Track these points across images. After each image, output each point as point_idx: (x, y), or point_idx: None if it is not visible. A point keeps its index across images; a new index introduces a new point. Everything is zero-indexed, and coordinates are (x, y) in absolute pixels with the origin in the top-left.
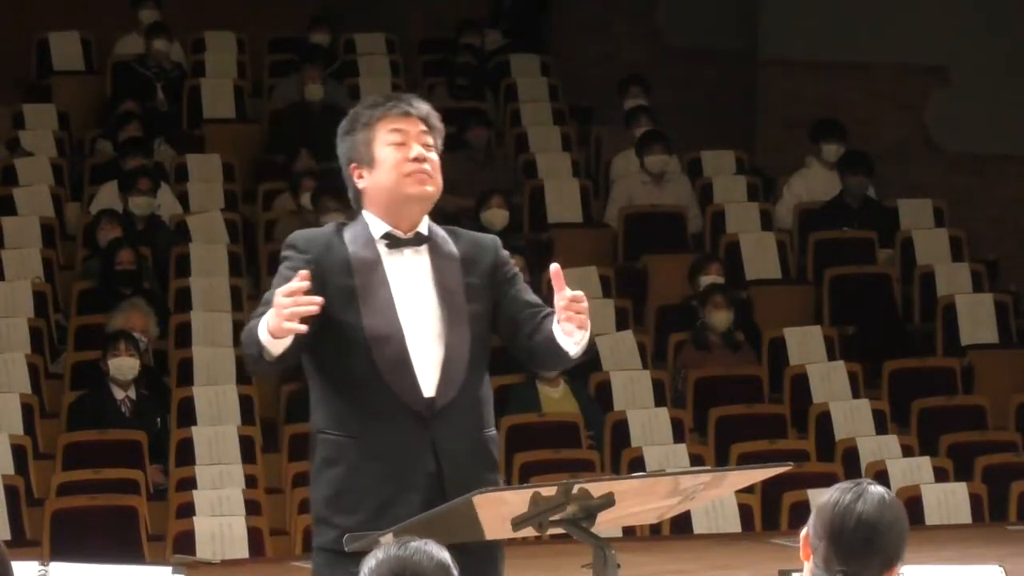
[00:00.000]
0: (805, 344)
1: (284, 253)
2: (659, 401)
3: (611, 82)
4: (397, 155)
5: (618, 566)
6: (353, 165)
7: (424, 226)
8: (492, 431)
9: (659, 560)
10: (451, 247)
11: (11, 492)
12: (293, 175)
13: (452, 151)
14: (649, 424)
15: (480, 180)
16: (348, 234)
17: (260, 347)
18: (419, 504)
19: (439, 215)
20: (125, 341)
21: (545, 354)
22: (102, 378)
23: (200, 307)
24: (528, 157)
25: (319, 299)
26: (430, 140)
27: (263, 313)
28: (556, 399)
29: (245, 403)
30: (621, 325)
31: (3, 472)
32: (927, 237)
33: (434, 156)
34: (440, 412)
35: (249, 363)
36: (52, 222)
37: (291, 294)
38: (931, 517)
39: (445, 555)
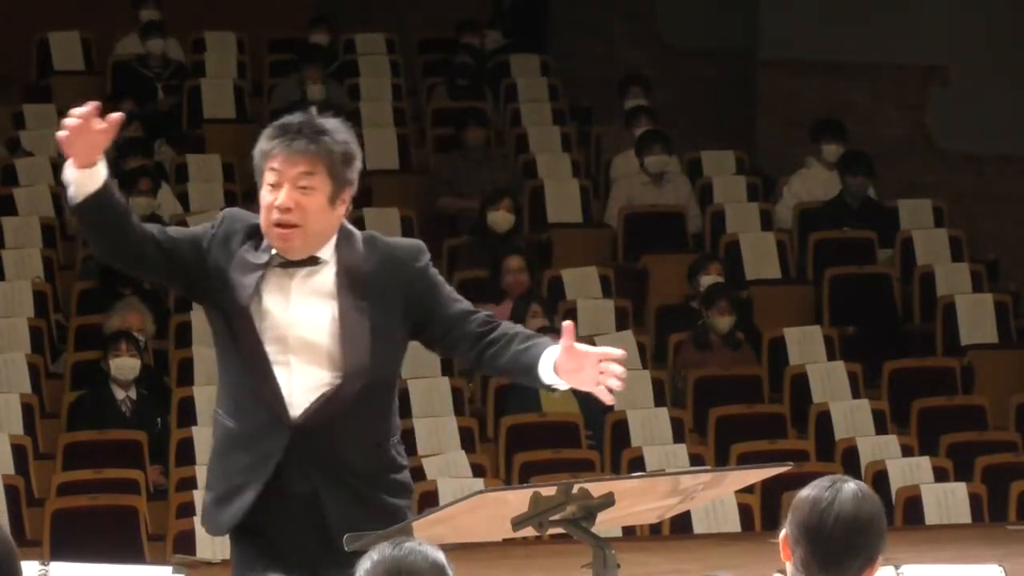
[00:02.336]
0: (805, 344)
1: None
2: (659, 401)
3: (611, 82)
4: (268, 199)
5: (618, 566)
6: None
7: (325, 249)
8: (384, 446)
9: (659, 560)
10: (358, 265)
11: (11, 492)
12: None
13: (451, 151)
14: (649, 424)
15: (478, 180)
16: (259, 238)
17: (68, 189)
18: (248, 505)
19: (439, 217)
20: (126, 341)
21: (517, 378)
22: (102, 378)
23: (200, 307)
24: (528, 157)
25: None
26: (312, 182)
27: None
28: (556, 399)
29: None
30: (621, 325)
31: (3, 472)
32: (927, 237)
33: (313, 199)
34: (305, 428)
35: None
36: (52, 222)
37: (81, 115)
38: (931, 517)
39: (440, 555)
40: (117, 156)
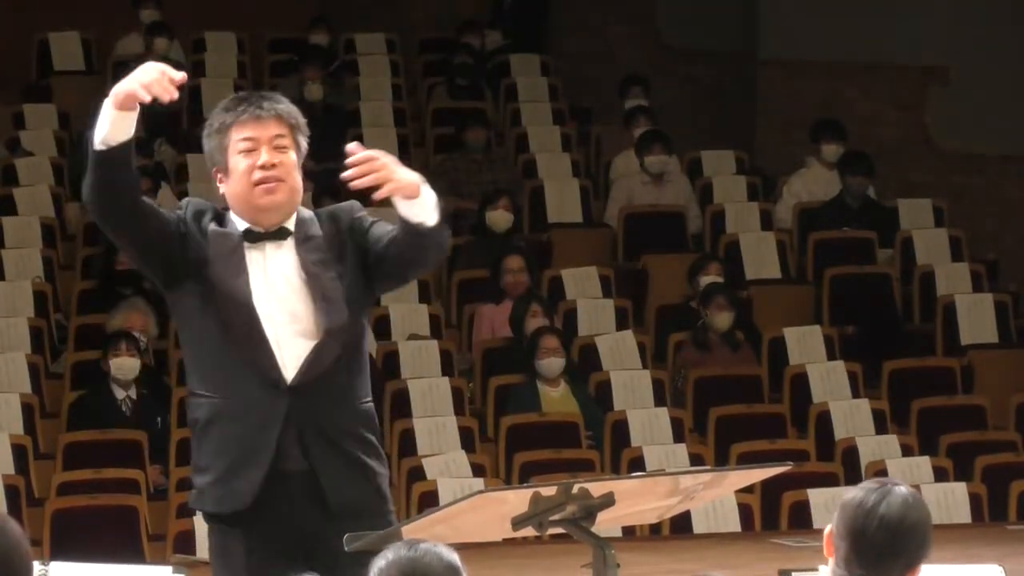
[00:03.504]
0: (805, 344)
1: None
2: (659, 401)
3: (611, 82)
4: (246, 162)
5: (618, 566)
6: (215, 170)
7: (291, 220)
8: (364, 404)
9: (659, 560)
10: (314, 232)
11: (11, 492)
12: None
13: (451, 151)
14: (649, 424)
15: (479, 181)
16: (226, 221)
17: (99, 131)
18: (259, 481)
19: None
20: (126, 341)
21: (407, 244)
22: (102, 378)
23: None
24: (528, 157)
25: (181, 78)
26: (285, 142)
27: None
28: (556, 399)
29: None
30: (621, 325)
31: (3, 472)
32: (927, 237)
33: (290, 157)
34: (300, 390)
35: (86, 183)
36: (52, 222)
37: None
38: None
39: (454, 556)
40: None
